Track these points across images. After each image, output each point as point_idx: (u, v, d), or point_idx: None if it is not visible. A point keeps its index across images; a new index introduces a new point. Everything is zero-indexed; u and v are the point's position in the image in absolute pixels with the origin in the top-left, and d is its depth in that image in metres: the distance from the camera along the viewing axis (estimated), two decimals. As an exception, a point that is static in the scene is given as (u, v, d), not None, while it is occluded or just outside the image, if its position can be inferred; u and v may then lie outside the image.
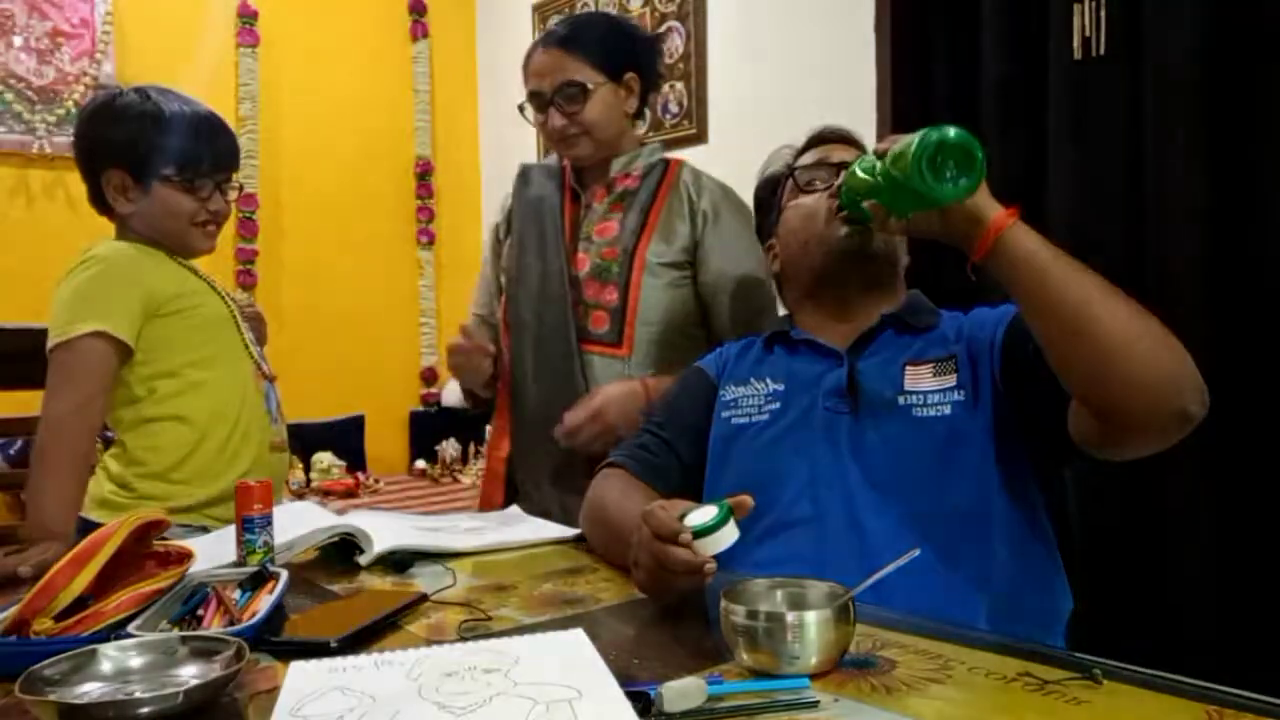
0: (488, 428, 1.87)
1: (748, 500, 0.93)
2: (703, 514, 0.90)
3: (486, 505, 1.76)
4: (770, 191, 1.40)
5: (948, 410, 1.12)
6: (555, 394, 1.63)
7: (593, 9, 3.24)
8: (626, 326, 1.63)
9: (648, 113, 1.85)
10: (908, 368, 1.17)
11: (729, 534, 0.88)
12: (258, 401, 1.59)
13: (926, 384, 1.15)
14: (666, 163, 1.75)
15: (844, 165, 1.22)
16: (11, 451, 2.69)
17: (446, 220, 3.74)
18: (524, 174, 1.82)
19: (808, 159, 1.33)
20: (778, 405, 1.22)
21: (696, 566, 0.87)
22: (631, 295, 1.63)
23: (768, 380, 1.25)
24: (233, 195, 1.61)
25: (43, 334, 1.44)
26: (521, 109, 1.71)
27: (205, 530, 1.38)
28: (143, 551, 0.99)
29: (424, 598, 1.00)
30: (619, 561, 1.13)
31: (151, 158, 1.49)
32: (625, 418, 1.53)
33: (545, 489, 1.64)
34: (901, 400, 1.14)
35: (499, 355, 1.75)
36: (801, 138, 1.39)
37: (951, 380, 1.14)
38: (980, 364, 1.13)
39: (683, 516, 0.91)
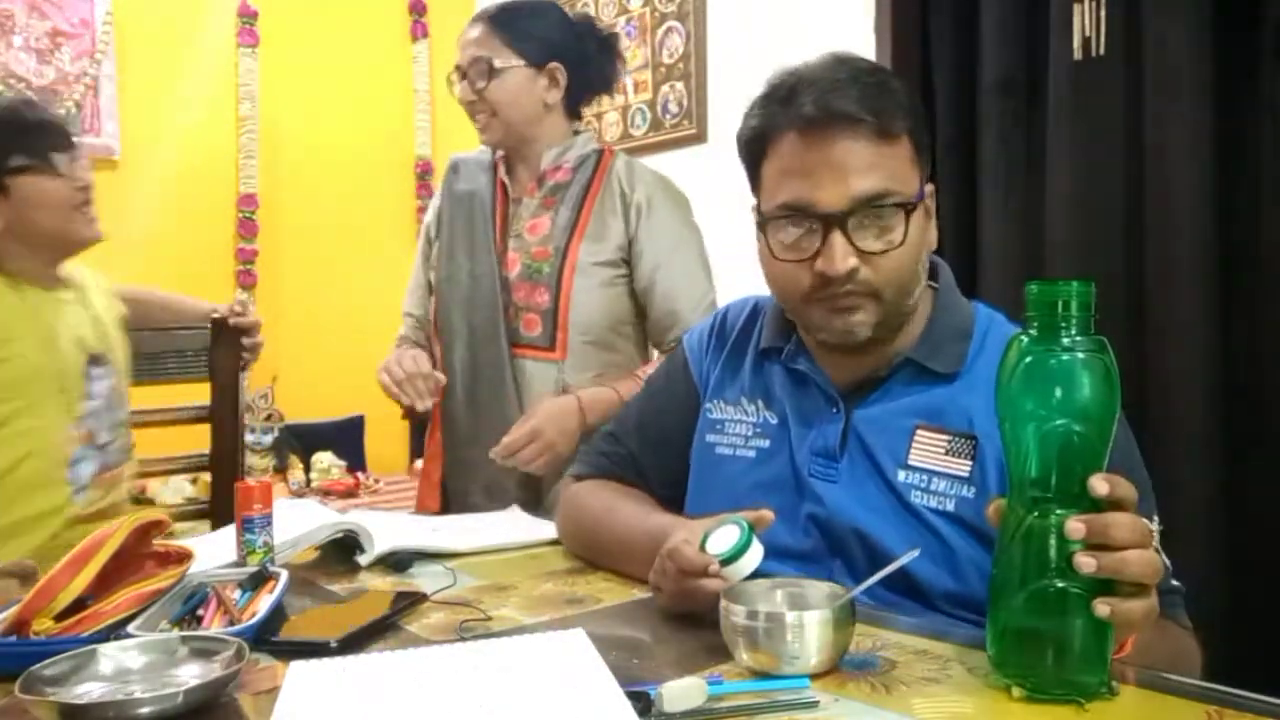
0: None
1: (768, 515, 0.92)
2: (725, 537, 0.88)
3: (421, 512, 1.73)
4: (752, 153, 1.05)
5: (950, 506, 0.96)
6: (488, 400, 1.62)
7: (591, 9, 3.24)
8: (559, 330, 1.61)
9: (587, 113, 1.81)
10: (919, 432, 0.99)
11: (755, 554, 0.87)
12: (59, 472, 1.38)
13: (935, 462, 0.98)
14: (600, 153, 1.71)
15: (835, 217, 0.94)
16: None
17: (446, 220, 3.73)
18: (454, 166, 1.78)
19: (787, 193, 0.98)
20: (766, 444, 1.08)
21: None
22: (563, 297, 1.61)
23: (760, 404, 1.10)
24: (87, 163, 1.44)
25: None
26: (449, 81, 1.69)
27: None
28: (143, 551, 0.99)
29: (424, 598, 1.00)
30: (614, 569, 1.13)
31: None
32: (563, 435, 1.53)
33: (477, 497, 1.62)
34: (901, 477, 0.99)
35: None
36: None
37: (965, 468, 0.96)
38: (1003, 474, 0.85)
39: (703, 540, 0.89)
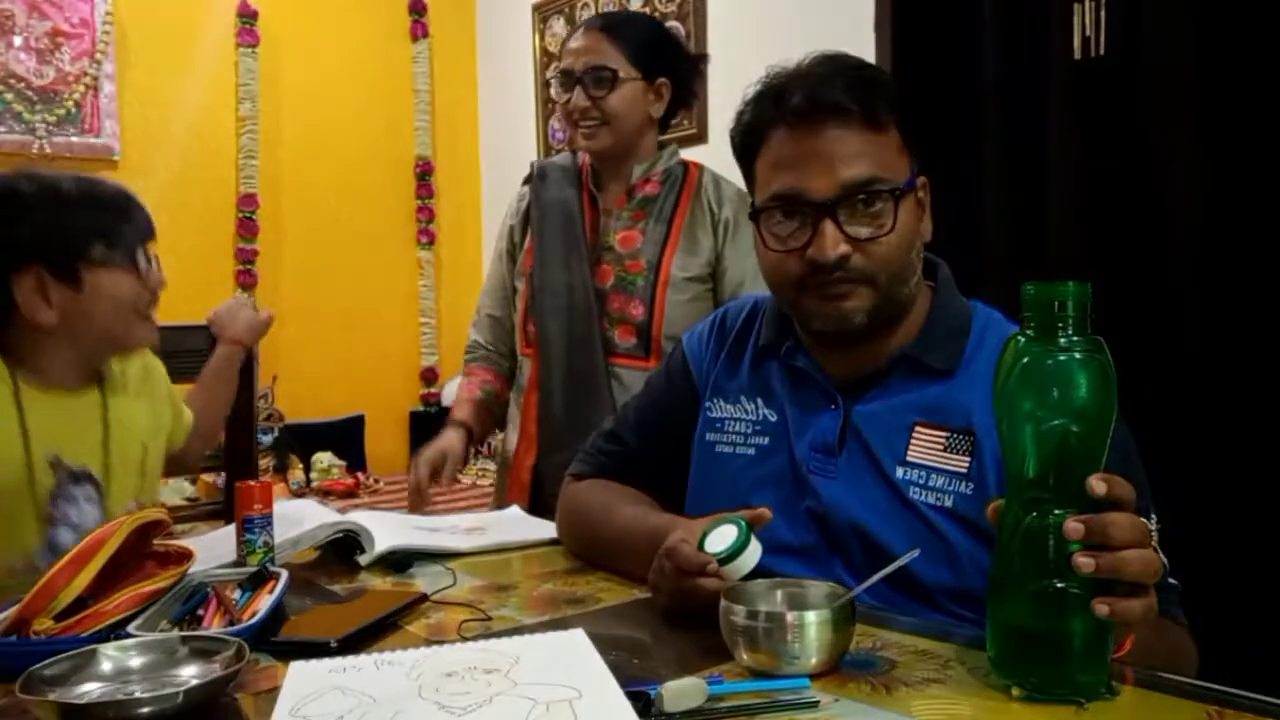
0: (504, 435, 1.86)
1: (765, 513, 0.93)
2: (723, 536, 0.89)
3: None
4: (745, 149, 1.08)
5: (949, 502, 0.97)
6: (586, 407, 1.66)
7: (592, 10, 3.24)
8: (653, 342, 1.66)
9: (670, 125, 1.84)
10: (917, 428, 1.00)
11: (754, 553, 0.88)
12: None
13: (933, 458, 0.98)
14: (685, 166, 1.75)
15: (825, 205, 0.96)
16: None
17: (446, 220, 3.73)
18: (542, 173, 1.81)
19: (778, 184, 1.00)
20: (765, 441, 1.08)
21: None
22: (657, 310, 1.66)
23: (759, 402, 1.10)
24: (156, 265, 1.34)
25: None
26: (549, 84, 1.72)
27: None
28: (143, 551, 0.99)
29: (424, 598, 1.00)
30: (614, 569, 1.13)
31: (79, 239, 1.20)
32: None
33: None
34: (900, 473, 0.99)
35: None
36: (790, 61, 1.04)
37: (963, 464, 0.97)
38: (1002, 471, 0.87)
39: (701, 539, 0.90)
